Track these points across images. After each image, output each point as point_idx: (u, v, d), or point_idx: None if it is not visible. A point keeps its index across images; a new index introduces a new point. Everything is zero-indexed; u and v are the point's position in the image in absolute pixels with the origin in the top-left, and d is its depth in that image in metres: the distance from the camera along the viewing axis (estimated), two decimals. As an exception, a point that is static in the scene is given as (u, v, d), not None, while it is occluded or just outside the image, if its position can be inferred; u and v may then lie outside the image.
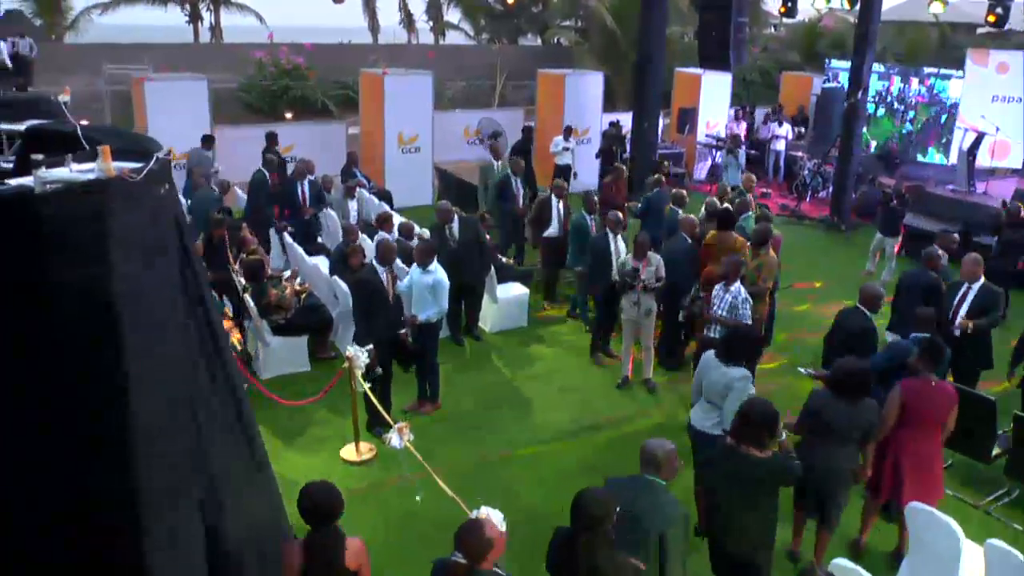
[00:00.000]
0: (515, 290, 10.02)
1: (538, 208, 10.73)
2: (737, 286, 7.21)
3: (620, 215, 9.17)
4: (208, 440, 3.81)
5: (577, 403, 8.21)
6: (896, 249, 11.84)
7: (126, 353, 3.32)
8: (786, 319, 9.88)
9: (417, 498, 5.69)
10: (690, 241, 8.68)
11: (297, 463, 7.05)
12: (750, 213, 9.51)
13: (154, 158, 3.46)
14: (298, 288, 8.64)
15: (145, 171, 3.32)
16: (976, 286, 7.33)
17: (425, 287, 7.41)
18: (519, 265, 11.03)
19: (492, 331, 9.84)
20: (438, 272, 7.46)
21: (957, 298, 7.31)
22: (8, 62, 21.73)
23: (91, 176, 3.22)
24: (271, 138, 13.66)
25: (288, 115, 22.94)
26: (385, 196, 13.03)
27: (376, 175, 14.28)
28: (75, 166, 3.40)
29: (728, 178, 14.75)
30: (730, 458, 4.69)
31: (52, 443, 3.32)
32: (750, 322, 7.20)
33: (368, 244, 9.84)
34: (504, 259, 10.51)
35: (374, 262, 7.07)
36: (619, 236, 8.93)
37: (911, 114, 17.75)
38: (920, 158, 17.34)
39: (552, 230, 10.41)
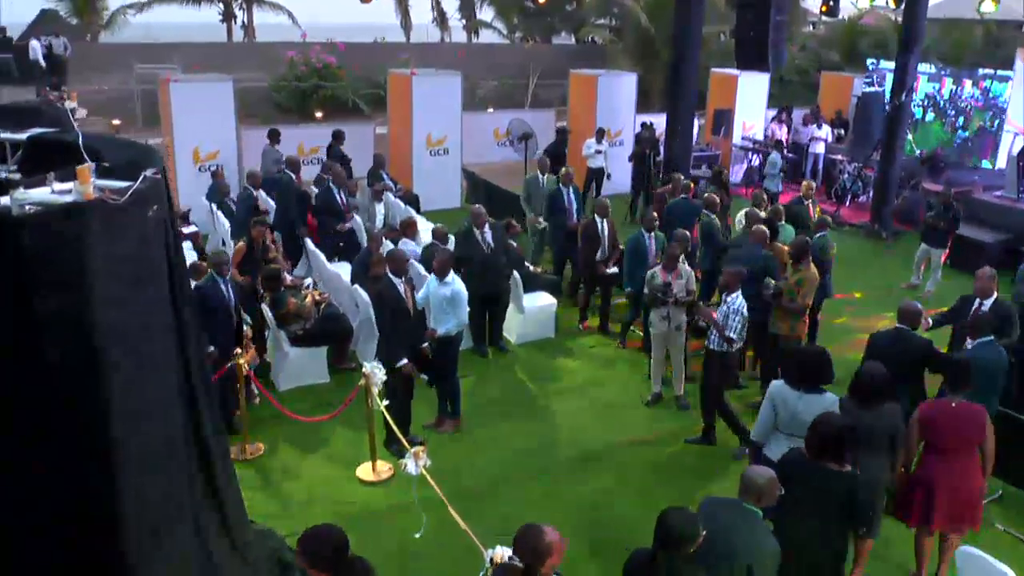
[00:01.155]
0: (542, 300, 9.70)
1: (586, 230, 9.77)
2: (735, 296, 6.85)
3: (688, 234, 8.64)
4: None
5: (606, 420, 7.86)
6: (943, 259, 11.31)
7: (107, 385, 3.09)
8: (824, 332, 9.43)
9: (417, 535, 5.39)
10: (764, 251, 8.07)
11: (312, 481, 6.82)
12: (783, 222, 9.12)
13: (141, 177, 3.21)
14: (318, 297, 8.40)
15: (129, 193, 3.07)
16: (988, 303, 6.89)
17: (443, 299, 7.14)
18: (550, 274, 10.67)
19: (518, 342, 9.52)
20: (456, 283, 7.19)
21: (970, 315, 6.77)
22: (43, 61, 21.88)
23: (70, 198, 2.98)
24: (338, 136, 13.49)
25: (319, 115, 22.85)
26: (412, 200, 12.77)
27: (403, 178, 14.02)
28: (56, 185, 3.16)
29: (768, 184, 14.16)
30: (809, 472, 4.45)
31: (31, 472, 3.12)
32: (733, 336, 6.87)
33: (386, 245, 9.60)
34: (532, 267, 10.20)
35: (389, 274, 6.79)
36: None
37: (962, 120, 17.00)
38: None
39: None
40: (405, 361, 6.75)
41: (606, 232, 9.52)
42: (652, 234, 8.94)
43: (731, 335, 6.87)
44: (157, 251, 3.38)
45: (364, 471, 6.91)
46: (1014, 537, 6.20)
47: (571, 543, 5.66)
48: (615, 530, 6.22)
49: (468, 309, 7.39)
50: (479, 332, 9.22)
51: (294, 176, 11.46)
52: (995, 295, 6.96)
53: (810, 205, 10.20)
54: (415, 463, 5.43)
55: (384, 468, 6.90)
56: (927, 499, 5.26)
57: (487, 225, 8.96)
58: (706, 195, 10.05)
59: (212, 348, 6.83)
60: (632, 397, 8.32)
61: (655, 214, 9.30)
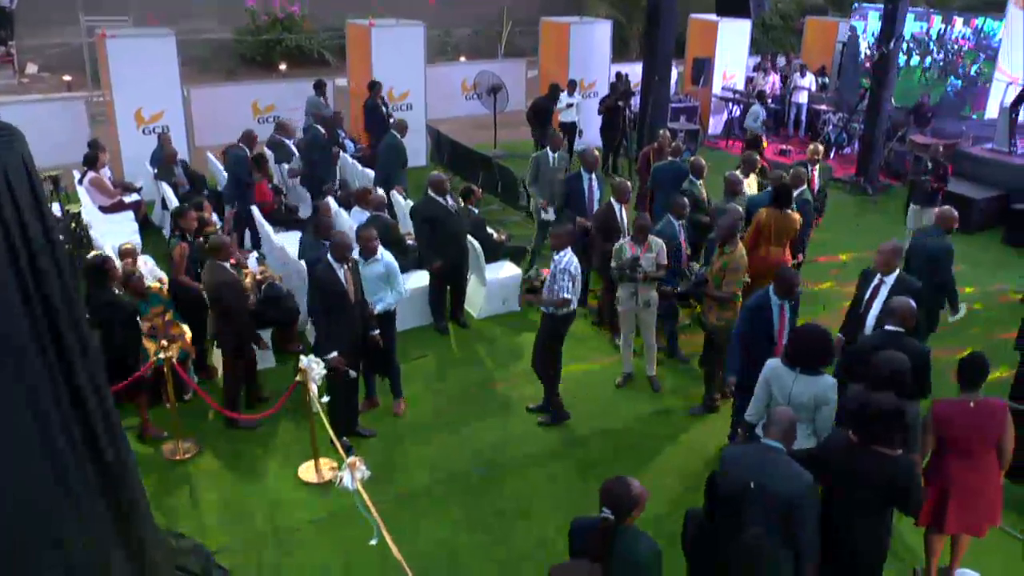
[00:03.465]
0: (506, 271, 9.06)
1: (602, 217, 8.13)
2: (563, 253, 6.51)
3: (686, 201, 7.84)
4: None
5: (574, 404, 7.30)
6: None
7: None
8: (807, 300, 8.79)
9: (372, 541, 4.84)
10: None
11: (250, 486, 6.22)
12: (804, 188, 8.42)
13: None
14: (259, 276, 7.71)
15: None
16: (890, 279, 6.01)
17: (376, 277, 6.61)
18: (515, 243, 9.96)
19: (480, 317, 8.89)
20: (385, 256, 6.68)
21: (868, 292, 6.06)
22: (-15, 14, 20.67)
23: None
24: (374, 87, 12.81)
25: (283, 67, 21.85)
26: (372, 160, 12.03)
27: (365, 136, 13.24)
28: None
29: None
30: (857, 458, 4.17)
31: None
32: (569, 295, 6.50)
33: (345, 219, 8.91)
34: (496, 233, 9.50)
35: (330, 259, 6.12)
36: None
37: (957, 66, 16.15)
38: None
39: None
40: (334, 354, 6.13)
41: (626, 221, 8.06)
42: (682, 222, 7.83)
43: (566, 295, 6.47)
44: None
45: (307, 471, 6.34)
46: (1014, 537, 5.72)
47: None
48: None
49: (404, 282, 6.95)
50: (438, 307, 8.61)
51: (249, 151, 10.77)
52: (897, 272, 6.04)
53: (815, 171, 9.39)
54: (351, 476, 4.83)
55: (329, 468, 6.32)
56: (940, 501, 4.87)
57: (448, 194, 8.29)
58: (692, 159, 9.27)
59: None
60: (603, 378, 7.75)
61: (684, 201, 7.87)
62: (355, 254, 6.54)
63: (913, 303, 5.35)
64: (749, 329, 5.88)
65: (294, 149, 11.37)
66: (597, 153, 8.84)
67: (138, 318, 6.70)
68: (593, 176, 8.72)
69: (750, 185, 8.90)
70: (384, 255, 6.76)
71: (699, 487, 4.16)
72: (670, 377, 7.77)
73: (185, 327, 7.20)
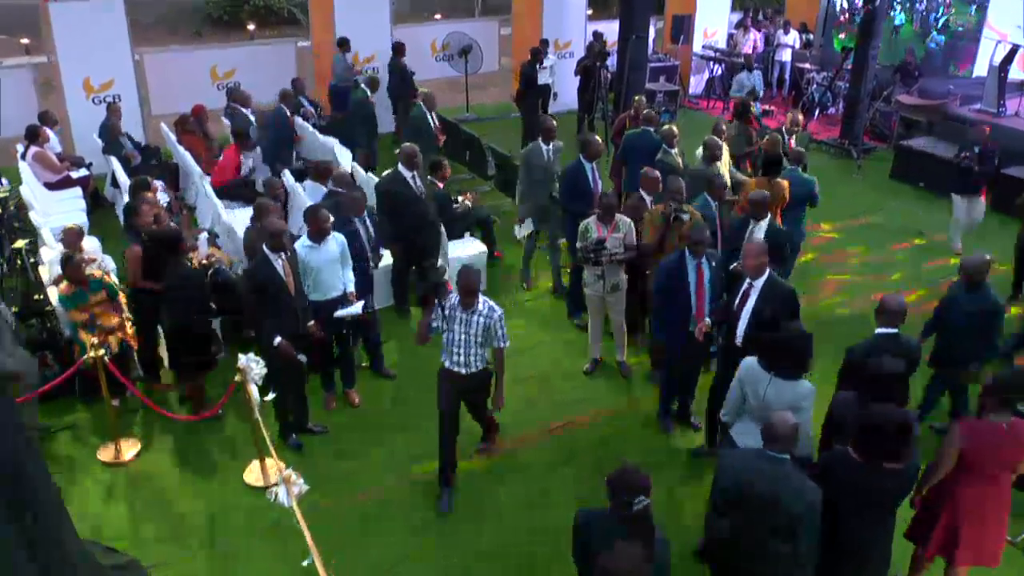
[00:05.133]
0: (471, 248, 8.62)
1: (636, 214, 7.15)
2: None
3: (658, 175, 7.24)
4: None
5: (538, 396, 6.93)
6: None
7: None
8: (797, 275, 8.31)
9: (304, 563, 4.48)
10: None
11: (192, 490, 5.86)
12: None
13: None
14: (205, 261, 7.25)
15: None
16: (759, 283, 5.45)
17: (329, 262, 6.17)
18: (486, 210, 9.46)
19: (445, 298, 8.46)
20: (337, 237, 6.29)
21: (738, 297, 5.57)
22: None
23: None
24: (398, 48, 12.49)
25: (251, 27, 21.08)
26: (335, 129, 11.50)
27: (328, 102, 12.67)
28: None
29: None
30: (858, 472, 3.97)
31: None
32: None
33: (302, 197, 8.42)
34: (462, 197, 8.93)
35: (266, 249, 5.67)
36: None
37: (942, 18, 15.57)
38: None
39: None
40: (279, 340, 5.71)
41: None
42: (592, 165, 7.69)
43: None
44: None
45: (252, 474, 5.97)
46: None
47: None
48: (548, 542, 5.38)
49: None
50: (401, 290, 8.18)
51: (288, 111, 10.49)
52: (766, 274, 5.43)
53: (792, 140, 9.00)
54: (286, 492, 4.46)
55: (276, 469, 5.92)
56: (951, 530, 4.46)
57: (417, 170, 7.79)
58: (664, 127, 8.76)
59: None
60: (570, 365, 7.37)
61: (723, 184, 7.27)
62: (306, 239, 6.13)
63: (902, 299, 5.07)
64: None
65: (252, 119, 10.82)
66: (597, 141, 7.87)
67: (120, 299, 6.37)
68: (595, 166, 7.82)
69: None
70: (336, 236, 6.34)
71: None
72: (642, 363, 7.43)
73: (127, 317, 6.75)
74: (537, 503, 5.76)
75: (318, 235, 6.09)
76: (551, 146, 8.22)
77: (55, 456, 6.14)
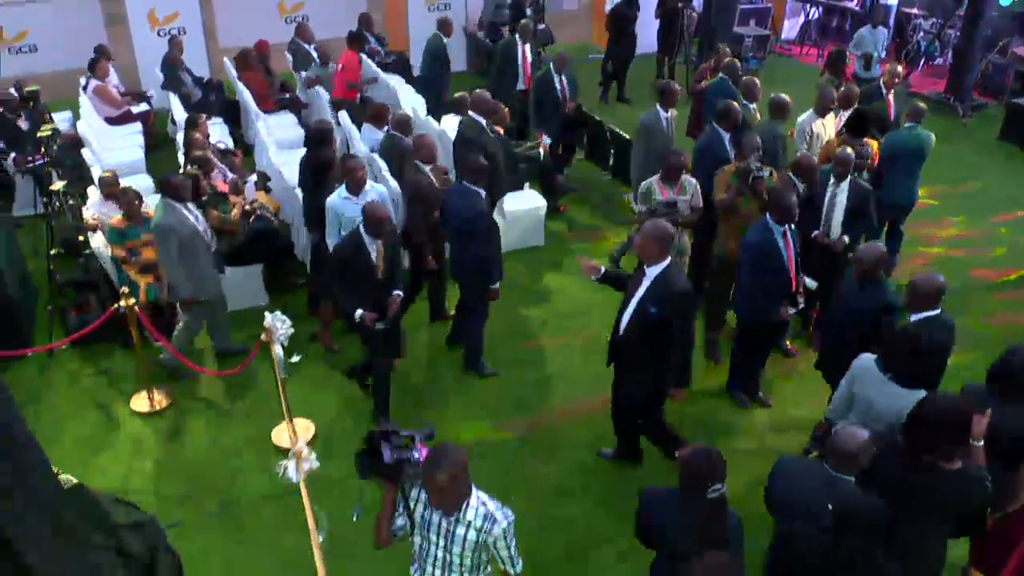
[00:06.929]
0: (529, 201, 8.13)
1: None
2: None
3: (758, 140, 6.24)
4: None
5: (592, 364, 6.46)
6: None
7: None
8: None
9: (320, 537, 4.21)
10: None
11: (218, 447, 5.67)
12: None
13: None
14: (247, 207, 6.97)
15: None
16: (653, 272, 4.64)
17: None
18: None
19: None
20: (376, 188, 5.97)
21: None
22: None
23: None
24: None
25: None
26: (401, 67, 11.06)
27: (397, 40, 12.19)
28: None
29: (857, 68, 10.64)
30: (912, 472, 3.52)
31: None
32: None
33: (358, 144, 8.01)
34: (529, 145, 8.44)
35: (362, 229, 5.22)
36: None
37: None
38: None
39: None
40: (361, 312, 5.26)
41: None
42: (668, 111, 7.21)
43: None
44: None
45: (280, 435, 5.74)
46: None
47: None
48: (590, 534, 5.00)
49: None
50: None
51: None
52: (667, 261, 4.66)
53: (890, 96, 8.03)
54: (295, 467, 4.16)
55: (305, 430, 5.72)
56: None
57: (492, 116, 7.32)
58: (744, 79, 7.92)
59: None
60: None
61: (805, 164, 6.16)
62: (343, 191, 5.76)
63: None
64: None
65: (315, 55, 10.44)
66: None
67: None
68: (670, 116, 7.27)
69: (825, 126, 7.43)
70: (375, 187, 5.96)
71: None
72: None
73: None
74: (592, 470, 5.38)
75: (355, 186, 5.70)
76: (670, 113, 7.39)
77: (92, 401, 6.07)
